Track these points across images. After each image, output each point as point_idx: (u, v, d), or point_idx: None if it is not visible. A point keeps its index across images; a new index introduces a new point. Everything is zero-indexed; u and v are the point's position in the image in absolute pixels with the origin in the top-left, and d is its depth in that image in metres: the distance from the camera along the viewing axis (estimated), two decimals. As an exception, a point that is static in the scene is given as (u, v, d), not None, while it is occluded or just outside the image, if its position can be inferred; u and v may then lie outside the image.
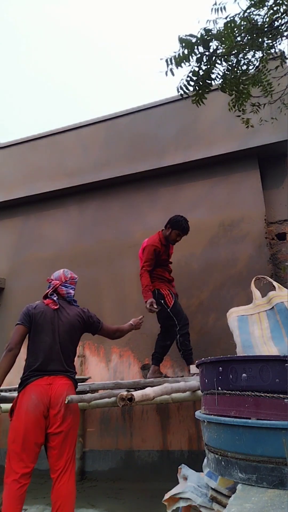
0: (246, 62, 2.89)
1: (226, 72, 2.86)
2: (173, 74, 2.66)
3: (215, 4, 2.60)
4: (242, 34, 2.67)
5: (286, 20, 2.65)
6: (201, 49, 2.63)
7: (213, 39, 2.61)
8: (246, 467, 1.10)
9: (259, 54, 2.86)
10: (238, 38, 2.68)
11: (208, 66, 2.73)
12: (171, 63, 2.62)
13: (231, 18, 2.57)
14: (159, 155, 4.57)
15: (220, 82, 2.93)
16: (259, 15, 2.69)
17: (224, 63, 2.80)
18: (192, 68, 2.70)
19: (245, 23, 2.63)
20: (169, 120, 4.69)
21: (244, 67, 2.91)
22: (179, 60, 2.62)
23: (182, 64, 2.64)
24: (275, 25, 2.66)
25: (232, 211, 4.17)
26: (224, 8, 2.61)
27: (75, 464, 2.24)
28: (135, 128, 4.87)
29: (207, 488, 1.40)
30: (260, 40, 2.69)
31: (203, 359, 1.42)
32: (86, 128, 5.18)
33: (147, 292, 3.29)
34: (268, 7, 2.64)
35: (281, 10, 2.61)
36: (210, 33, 2.57)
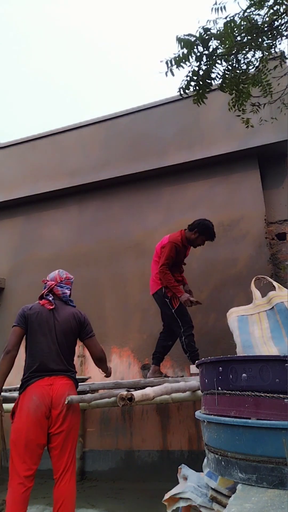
0: (246, 62, 2.89)
1: (226, 71, 2.86)
2: (173, 74, 2.67)
3: (215, 3, 2.60)
4: (242, 34, 2.67)
5: (286, 20, 2.66)
6: (200, 48, 2.64)
7: (213, 39, 2.61)
8: (246, 467, 1.10)
9: (259, 54, 2.86)
10: (238, 38, 2.68)
11: (208, 66, 2.73)
12: (171, 65, 2.63)
13: (231, 18, 2.56)
14: (159, 155, 4.57)
15: (220, 81, 2.93)
16: (259, 15, 2.69)
17: (224, 63, 2.81)
18: (192, 68, 2.71)
19: (245, 23, 2.63)
20: (169, 120, 4.69)
21: (244, 67, 2.92)
22: (179, 60, 2.62)
23: (182, 64, 2.65)
24: (275, 25, 2.67)
25: (232, 211, 4.17)
26: (224, 7, 2.60)
27: (76, 464, 2.25)
28: (135, 128, 4.87)
29: (207, 488, 1.40)
30: (260, 40, 2.69)
31: (203, 359, 1.42)
32: (86, 128, 5.18)
33: (176, 288, 3.29)
34: (268, 7, 2.64)
35: (281, 10, 2.61)
36: (209, 32, 2.57)
